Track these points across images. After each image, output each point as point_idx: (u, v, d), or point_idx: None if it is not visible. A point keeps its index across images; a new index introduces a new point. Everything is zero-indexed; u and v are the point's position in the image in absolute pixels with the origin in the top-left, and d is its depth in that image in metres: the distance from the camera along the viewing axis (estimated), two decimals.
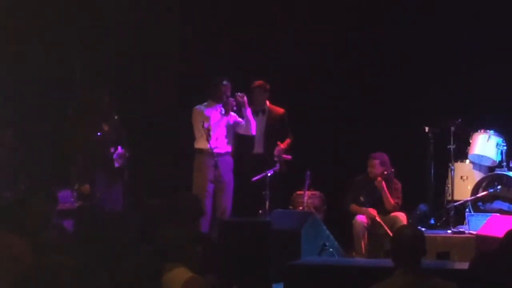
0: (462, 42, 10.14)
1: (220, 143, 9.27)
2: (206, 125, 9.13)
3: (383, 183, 9.10)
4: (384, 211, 9.10)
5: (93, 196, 8.81)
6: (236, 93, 9.35)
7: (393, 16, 10.43)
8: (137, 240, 5.10)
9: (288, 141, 9.72)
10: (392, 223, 8.87)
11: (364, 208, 9.10)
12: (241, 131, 9.47)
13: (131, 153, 9.14)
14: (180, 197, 6.42)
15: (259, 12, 10.68)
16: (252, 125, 9.44)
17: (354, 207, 9.19)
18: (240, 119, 9.42)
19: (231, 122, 9.39)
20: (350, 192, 9.32)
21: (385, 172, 9.13)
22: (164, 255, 4.47)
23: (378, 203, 9.09)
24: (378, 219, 8.97)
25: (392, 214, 9.08)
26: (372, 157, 9.22)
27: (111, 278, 4.23)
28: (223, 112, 9.29)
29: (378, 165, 9.16)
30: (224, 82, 9.34)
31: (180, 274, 4.40)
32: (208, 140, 9.06)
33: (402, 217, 9.03)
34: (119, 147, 9.00)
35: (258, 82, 9.73)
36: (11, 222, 5.20)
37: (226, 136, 9.36)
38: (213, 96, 9.39)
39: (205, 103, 9.42)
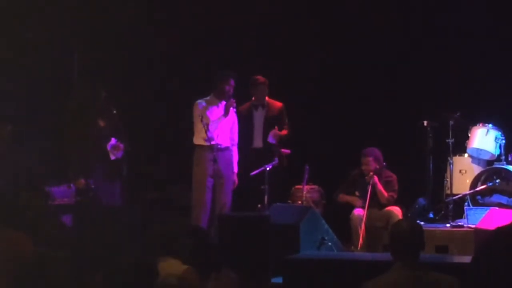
0: (461, 36, 10.13)
1: (221, 140, 9.26)
2: (204, 120, 9.12)
3: (375, 177, 9.10)
4: (379, 205, 9.11)
5: (89, 191, 8.79)
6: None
7: (392, 9, 10.42)
8: (136, 233, 5.11)
9: (284, 132, 9.70)
10: (388, 218, 8.87)
11: (353, 197, 9.16)
12: None
13: (129, 147, 9.12)
14: (170, 190, 6.42)
15: (258, 6, 10.67)
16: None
17: (342, 196, 9.25)
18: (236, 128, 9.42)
19: (233, 119, 9.38)
20: (342, 184, 9.35)
21: (377, 167, 9.15)
22: (156, 248, 4.47)
23: (373, 197, 9.09)
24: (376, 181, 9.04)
25: (387, 208, 9.07)
26: (366, 154, 9.18)
27: (108, 272, 4.23)
28: (223, 112, 9.27)
29: (372, 162, 9.15)
30: (230, 81, 9.27)
31: (174, 266, 4.40)
32: (207, 135, 9.05)
33: (397, 211, 9.02)
34: (112, 139, 8.96)
35: (261, 79, 9.70)
36: (11, 218, 5.20)
37: (227, 132, 9.35)
38: (216, 91, 9.36)
39: (207, 98, 9.39)
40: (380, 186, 9.09)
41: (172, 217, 5.10)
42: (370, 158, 9.15)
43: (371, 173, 9.08)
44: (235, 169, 9.45)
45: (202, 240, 4.88)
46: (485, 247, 4.48)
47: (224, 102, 9.29)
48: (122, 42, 10.61)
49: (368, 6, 10.49)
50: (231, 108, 9.27)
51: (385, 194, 9.09)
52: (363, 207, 9.00)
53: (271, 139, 9.60)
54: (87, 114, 9.00)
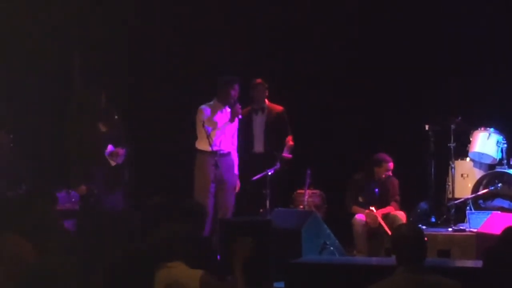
0: (462, 40, 10.14)
1: (224, 145, 9.25)
2: (206, 126, 9.11)
3: (380, 218, 9.05)
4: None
5: (92, 197, 8.76)
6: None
7: (392, 13, 10.42)
8: (137, 239, 5.10)
9: (290, 138, 9.70)
10: (392, 222, 8.87)
11: (367, 211, 9.09)
12: None
13: (131, 152, 9.10)
14: (186, 197, 6.44)
15: (258, 10, 10.68)
16: None
17: (356, 208, 9.19)
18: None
19: (236, 125, 9.37)
20: (349, 192, 9.32)
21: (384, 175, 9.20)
22: (160, 251, 4.46)
23: (377, 203, 9.10)
24: (380, 221, 8.96)
25: (392, 213, 9.09)
26: (388, 160, 9.17)
27: (108, 275, 4.24)
28: (229, 118, 9.25)
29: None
30: (234, 86, 9.25)
31: (185, 271, 4.37)
32: (209, 140, 9.03)
33: (401, 216, 9.05)
34: (110, 146, 8.92)
35: (259, 80, 9.71)
36: (14, 223, 5.20)
37: (230, 138, 9.35)
38: (220, 97, 9.33)
39: (211, 103, 9.35)
40: (385, 226, 9.03)
41: (175, 222, 5.10)
42: (392, 164, 9.16)
43: (379, 219, 9.02)
44: (236, 171, 9.43)
45: (207, 245, 4.91)
46: (494, 251, 4.49)
47: (227, 107, 9.29)
48: (122, 43, 10.61)
49: (368, 8, 10.49)
50: (238, 115, 9.26)
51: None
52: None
53: (286, 154, 9.56)
54: (87, 118, 8.98)
